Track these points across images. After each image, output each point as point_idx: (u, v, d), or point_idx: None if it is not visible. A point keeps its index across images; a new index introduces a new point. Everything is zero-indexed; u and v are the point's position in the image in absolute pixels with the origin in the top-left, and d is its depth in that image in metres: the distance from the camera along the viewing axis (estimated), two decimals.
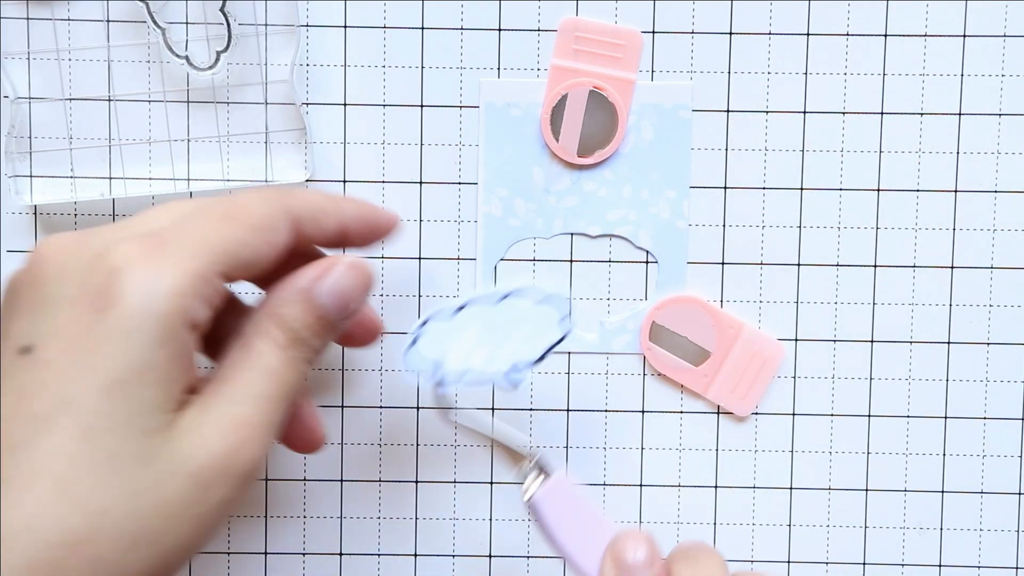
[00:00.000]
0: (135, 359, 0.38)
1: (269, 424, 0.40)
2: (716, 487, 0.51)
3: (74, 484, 0.37)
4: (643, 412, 0.51)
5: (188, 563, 0.51)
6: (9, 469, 0.37)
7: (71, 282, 0.39)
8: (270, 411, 0.40)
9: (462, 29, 0.49)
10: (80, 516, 0.37)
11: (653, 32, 0.50)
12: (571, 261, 0.50)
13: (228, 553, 0.51)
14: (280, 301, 0.42)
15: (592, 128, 0.50)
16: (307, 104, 0.50)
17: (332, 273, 0.42)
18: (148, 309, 0.38)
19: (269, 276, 0.42)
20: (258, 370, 0.40)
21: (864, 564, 0.51)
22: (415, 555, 0.51)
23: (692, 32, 0.50)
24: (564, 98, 0.50)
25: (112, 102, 0.50)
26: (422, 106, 0.50)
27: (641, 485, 0.51)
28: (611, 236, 0.50)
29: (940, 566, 0.51)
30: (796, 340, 0.51)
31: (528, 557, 0.51)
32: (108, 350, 0.37)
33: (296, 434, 0.45)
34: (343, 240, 0.44)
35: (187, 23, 0.49)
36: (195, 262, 0.39)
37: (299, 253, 0.43)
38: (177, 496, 0.38)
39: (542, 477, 0.44)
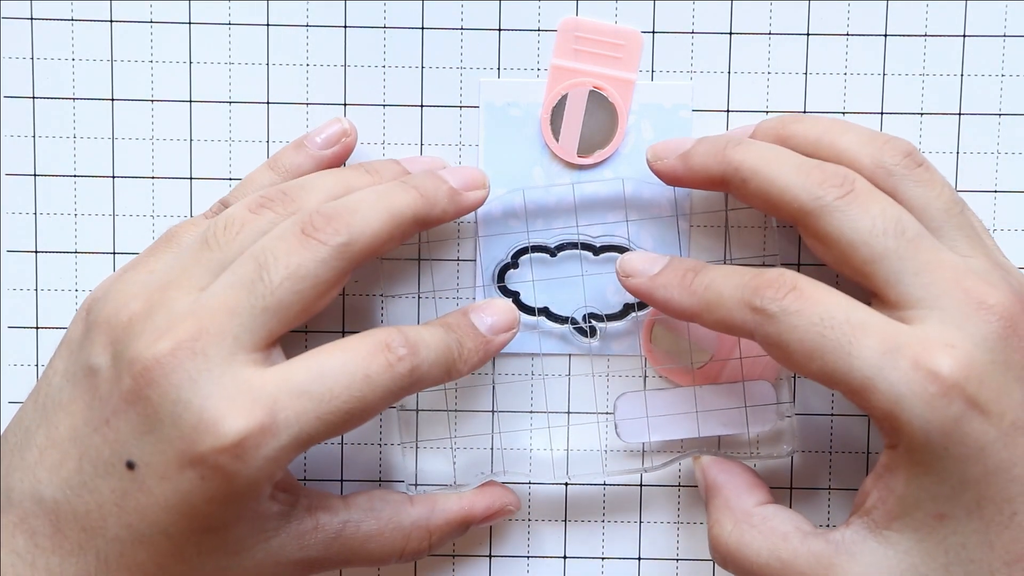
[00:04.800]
0: None
1: None
2: None
3: None
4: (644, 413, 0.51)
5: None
6: None
7: None
8: None
9: (462, 29, 0.50)
10: None
11: (653, 32, 0.50)
12: (571, 262, 0.50)
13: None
14: None
15: (592, 128, 0.50)
16: (307, 104, 0.50)
17: None
18: None
19: None
20: None
21: None
22: None
23: (692, 32, 0.50)
24: (564, 98, 0.50)
25: (114, 102, 0.50)
26: (422, 106, 0.50)
27: (641, 485, 0.51)
28: (611, 236, 0.50)
29: None
30: None
31: (528, 557, 0.51)
32: None
33: None
34: None
35: None
36: None
37: None
38: None
39: None
